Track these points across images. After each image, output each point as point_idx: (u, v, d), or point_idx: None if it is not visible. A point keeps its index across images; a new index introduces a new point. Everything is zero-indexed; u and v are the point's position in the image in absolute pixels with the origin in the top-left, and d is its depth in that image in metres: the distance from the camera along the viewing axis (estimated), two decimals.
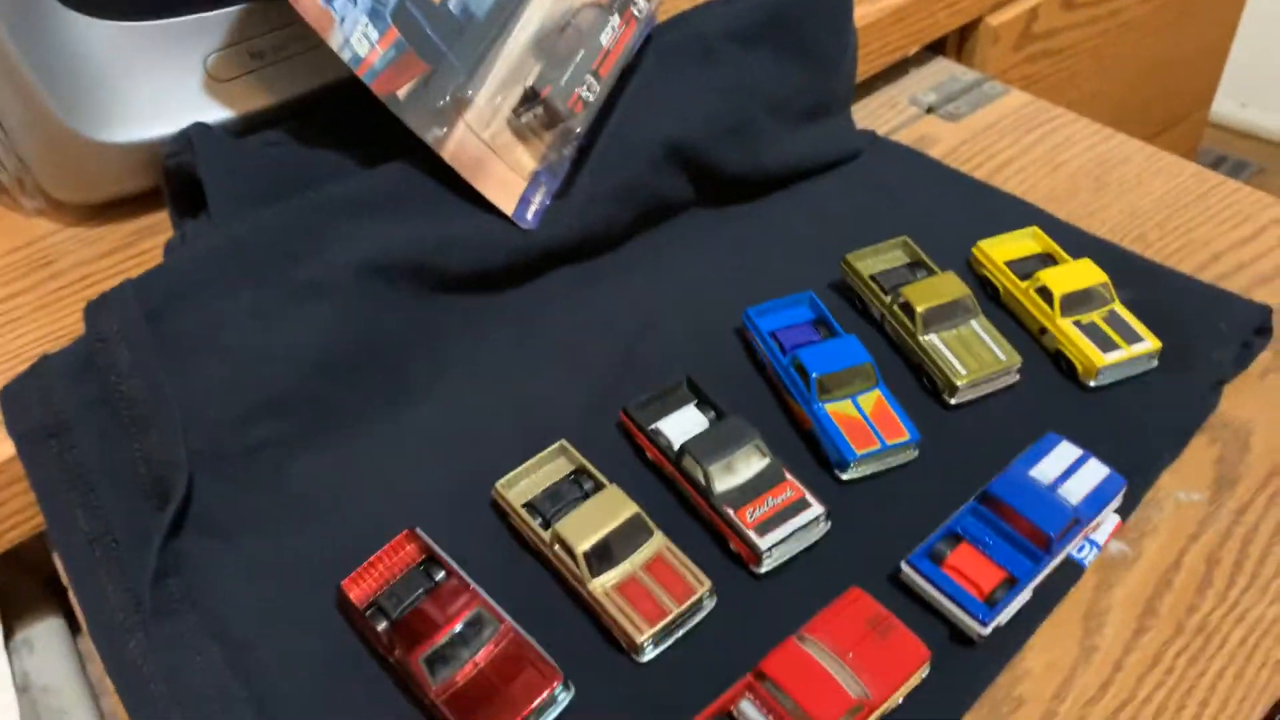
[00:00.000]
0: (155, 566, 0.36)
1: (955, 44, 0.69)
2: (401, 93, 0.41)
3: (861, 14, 0.58)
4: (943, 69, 0.67)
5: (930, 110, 0.62)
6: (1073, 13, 0.75)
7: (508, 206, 0.44)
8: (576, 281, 0.47)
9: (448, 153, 0.43)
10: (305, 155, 0.45)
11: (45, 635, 0.46)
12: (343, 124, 0.46)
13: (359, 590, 0.36)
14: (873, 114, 0.62)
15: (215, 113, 0.45)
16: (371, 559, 0.36)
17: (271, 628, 0.36)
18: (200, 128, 0.43)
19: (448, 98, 0.43)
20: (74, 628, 0.46)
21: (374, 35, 0.41)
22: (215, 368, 0.38)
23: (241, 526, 0.38)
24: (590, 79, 0.44)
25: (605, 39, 0.45)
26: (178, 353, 0.38)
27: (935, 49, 0.68)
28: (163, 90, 0.44)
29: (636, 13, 0.46)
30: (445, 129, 0.43)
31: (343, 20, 0.40)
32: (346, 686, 0.34)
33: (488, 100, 0.44)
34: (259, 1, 0.44)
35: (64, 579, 0.38)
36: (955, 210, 0.53)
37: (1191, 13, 0.89)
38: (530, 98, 0.44)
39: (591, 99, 0.44)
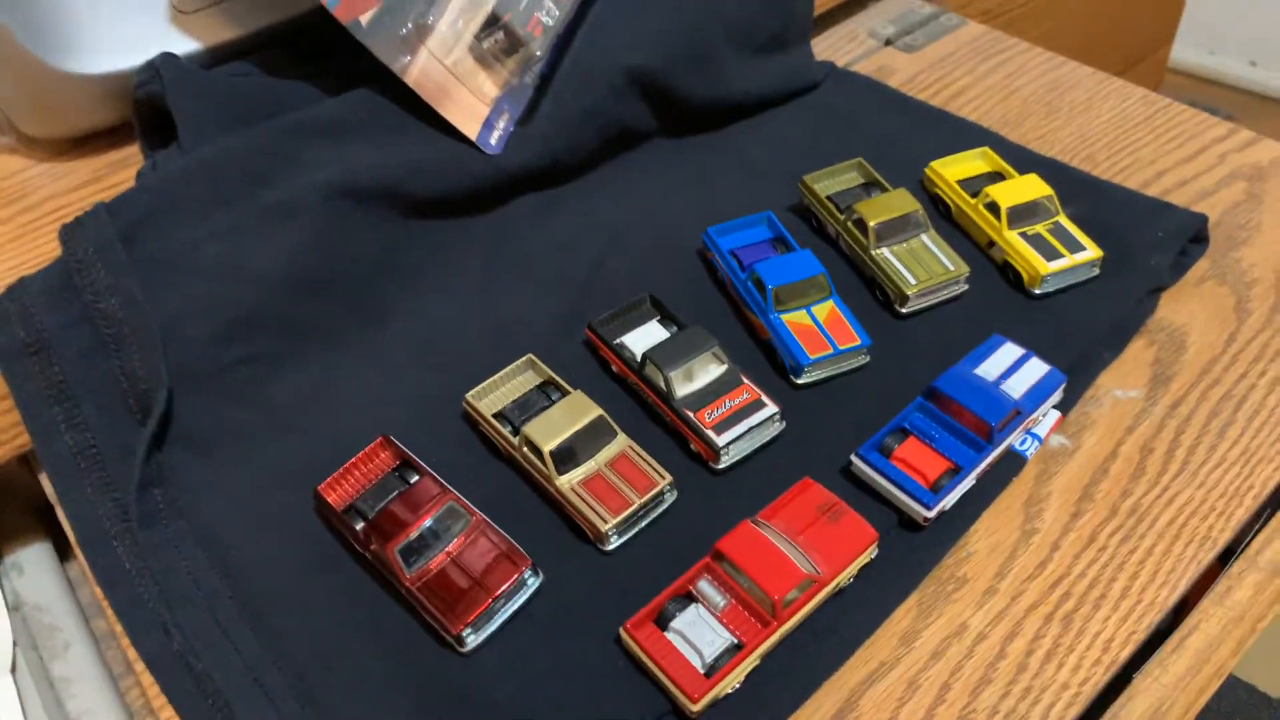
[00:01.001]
0: (140, 477, 0.37)
1: None
2: (364, 19, 0.42)
3: None
4: (901, 2, 0.68)
5: (888, 42, 0.64)
6: None
7: (471, 131, 0.45)
8: (542, 206, 0.49)
9: (412, 79, 0.44)
10: (272, 86, 0.46)
11: (34, 559, 0.47)
12: (309, 55, 0.47)
13: (336, 494, 0.37)
14: (832, 46, 0.64)
15: (182, 44, 0.46)
16: (347, 465, 0.38)
17: (253, 532, 0.37)
18: (167, 58, 0.44)
19: (410, 25, 0.44)
20: (62, 554, 0.47)
21: None
22: (190, 287, 0.39)
23: (221, 439, 0.40)
24: (549, 4, 0.45)
25: None
26: (153, 272, 0.39)
27: None
28: (130, 22, 0.45)
29: None
30: (408, 56, 0.44)
31: None
32: (326, 582, 0.36)
33: (449, 26, 0.45)
34: None
35: (50, 493, 0.40)
36: (910, 135, 0.54)
37: None
38: (491, 23, 0.45)
39: (551, 23, 0.45)
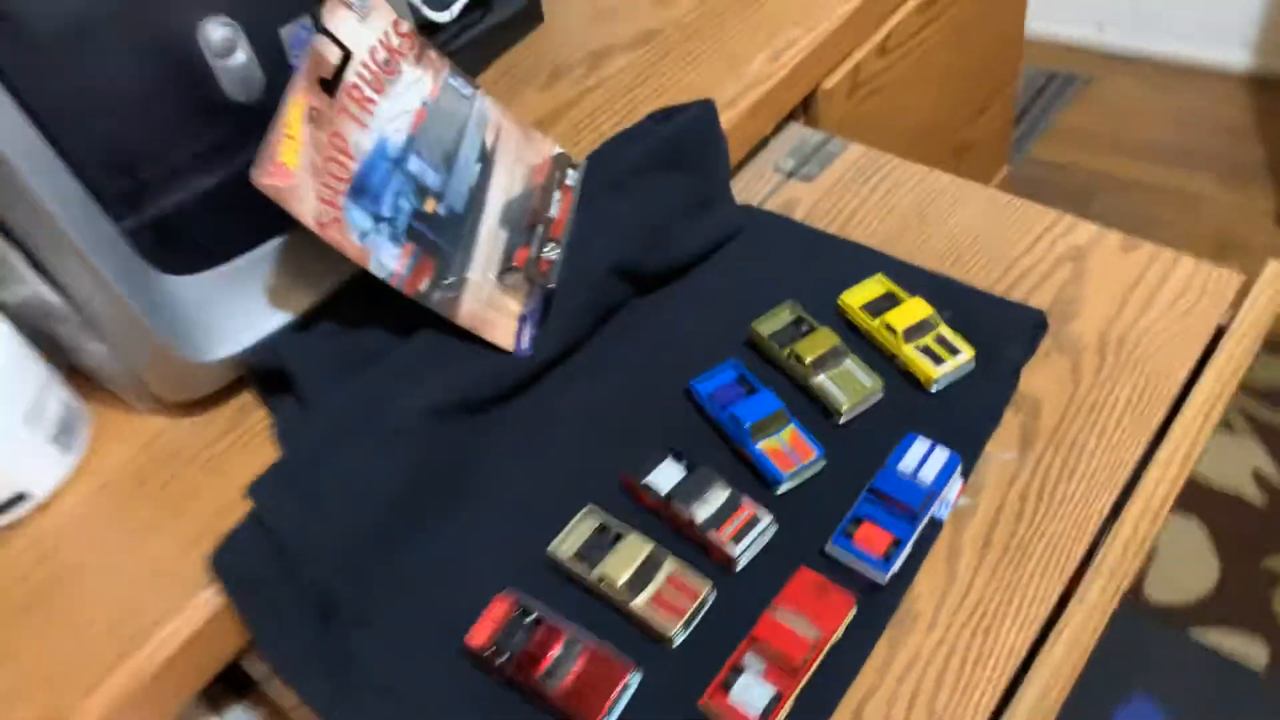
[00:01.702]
0: (338, 660, 0.53)
1: (801, 108, 0.88)
2: (422, 288, 0.58)
3: (727, 119, 0.76)
4: (794, 133, 0.85)
5: (790, 174, 0.81)
6: (886, 56, 0.93)
7: (509, 345, 0.61)
8: (564, 380, 0.65)
9: (461, 319, 0.60)
10: (357, 336, 0.61)
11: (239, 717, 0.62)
12: (377, 305, 0.62)
13: (478, 639, 0.53)
14: (747, 186, 0.80)
15: (279, 318, 0.61)
16: (482, 617, 0.54)
17: (425, 681, 0.53)
18: (279, 336, 0.59)
19: (452, 280, 0.59)
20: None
21: (396, 253, 0.57)
22: (344, 512, 0.55)
23: (379, 612, 0.55)
24: (549, 246, 0.61)
25: (553, 211, 0.62)
26: (316, 506, 0.54)
27: (788, 115, 0.86)
28: (240, 314, 0.60)
29: (570, 183, 0.63)
30: (455, 303, 0.59)
31: (375, 250, 0.56)
32: (487, 706, 0.52)
33: (480, 274, 0.61)
34: (295, 233, 0.60)
35: (257, 673, 0.56)
36: (820, 262, 0.72)
37: (981, 20, 1.09)
38: (509, 269, 0.60)
39: (555, 257, 0.61)
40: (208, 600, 0.54)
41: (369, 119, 0.57)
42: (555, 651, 0.51)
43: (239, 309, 0.60)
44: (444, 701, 0.53)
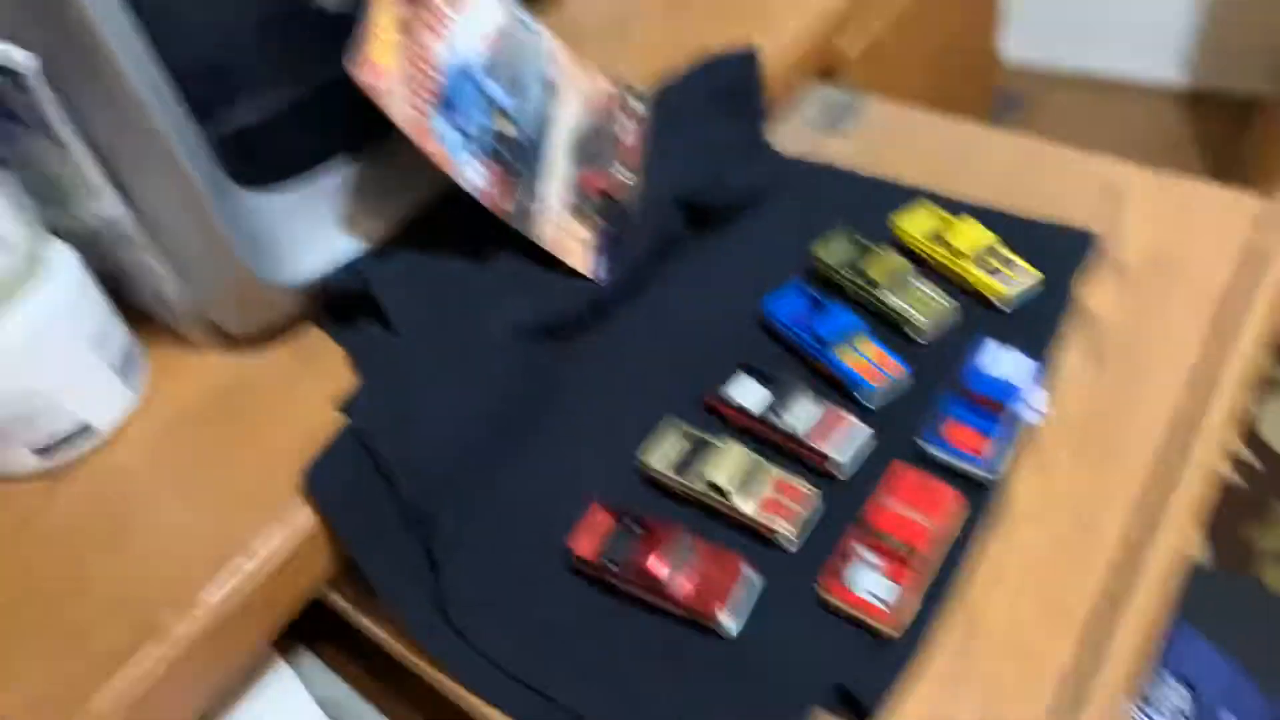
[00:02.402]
0: (440, 579, 0.51)
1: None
2: (509, 209, 0.57)
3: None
4: (820, 92, 0.87)
5: (823, 131, 0.82)
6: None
7: (586, 270, 0.61)
8: (637, 306, 0.64)
9: (547, 242, 0.59)
10: (434, 263, 0.60)
11: (309, 667, 0.60)
12: (450, 235, 0.61)
13: (585, 549, 0.52)
14: (782, 144, 0.81)
15: (354, 244, 0.59)
16: (582, 526, 0.52)
17: (529, 592, 0.52)
18: (366, 259, 0.58)
19: (534, 203, 0.59)
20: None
21: (481, 170, 0.57)
22: (440, 429, 0.53)
23: (482, 530, 0.54)
24: (625, 171, 0.61)
25: (627, 139, 0.62)
26: (410, 424, 0.53)
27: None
28: (317, 237, 0.58)
29: (640, 112, 0.64)
30: (538, 225, 0.59)
31: (462, 165, 0.55)
32: (595, 611, 0.51)
33: (556, 197, 0.60)
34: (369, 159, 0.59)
35: (344, 608, 0.53)
36: (868, 198, 0.73)
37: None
38: (581, 196, 0.60)
39: (631, 183, 0.61)
40: (300, 523, 0.51)
41: (446, 33, 0.57)
42: (670, 554, 0.50)
43: (315, 232, 0.58)
44: (550, 610, 0.51)
